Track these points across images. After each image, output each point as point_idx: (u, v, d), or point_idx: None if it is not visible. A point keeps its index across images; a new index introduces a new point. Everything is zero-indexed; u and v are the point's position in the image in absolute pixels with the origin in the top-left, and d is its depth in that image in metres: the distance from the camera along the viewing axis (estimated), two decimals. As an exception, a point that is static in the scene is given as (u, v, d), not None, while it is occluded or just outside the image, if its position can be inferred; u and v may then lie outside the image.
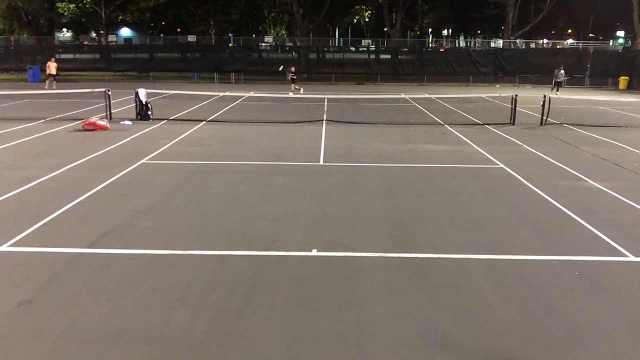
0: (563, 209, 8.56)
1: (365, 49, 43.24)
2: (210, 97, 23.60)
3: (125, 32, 63.22)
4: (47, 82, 27.83)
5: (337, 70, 36.75)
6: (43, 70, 33.45)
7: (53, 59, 28.58)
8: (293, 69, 27.51)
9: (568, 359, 4.56)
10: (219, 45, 41.00)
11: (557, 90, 28.29)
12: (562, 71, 28.79)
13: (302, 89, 26.05)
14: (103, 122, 15.59)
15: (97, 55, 39.19)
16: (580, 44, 41.38)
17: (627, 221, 8.07)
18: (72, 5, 42.67)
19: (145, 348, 4.60)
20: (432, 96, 25.25)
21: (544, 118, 17.47)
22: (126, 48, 44.56)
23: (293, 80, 27.00)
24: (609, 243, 7.12)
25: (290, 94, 25.37)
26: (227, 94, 24.00)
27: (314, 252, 6.65)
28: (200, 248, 6.76)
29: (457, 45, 59.65)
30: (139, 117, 17.34)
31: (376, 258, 6.54)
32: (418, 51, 40.27)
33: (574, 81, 34.12)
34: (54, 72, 28.09)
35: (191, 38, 41.99)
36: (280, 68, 28.01)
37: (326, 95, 24.35)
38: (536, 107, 18.79)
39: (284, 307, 5.33)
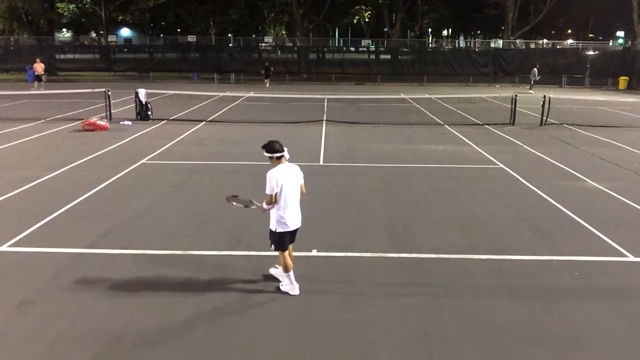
0: (563, 209, 8.56)
1: (365, 49, 43.14)
2: (210, 97, 23.60)
3: (125, 32, 63.11)
4: (37, 83, 27.59)
5: (337, 70, 36.75)
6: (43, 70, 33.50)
7: (38, 60, 28.21)
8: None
9: (568, 359, 4.57)
10: (219, 45, 40.98)
11: (531, 88, 28.85)
12: (535, 70, 29.25)
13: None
14: (103, 122, 15.59)
15: (97, 55, 39.19)
16: (580, 44, 41.38)
17: (627, 221, 8.07)
18: (72, 6, 42.64)
19: (145, 348, 4.60)
20: (432, 96, 25.26)
21: (544, 118, 17.48)
22: (126, 48, 44.54)
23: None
24: (609, 243, 7.12)
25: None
26: (227, 94, 24.01)
27: (314, 252, 6.66)
28: (199, 248, 6.76)
29: (457, 45, 59.58)
30: (138, 117, 17.34)
31: (376, 258, 6.55)
32: (418, 51, 40.25)
33: (574, 81, 34.13)
34: (40, 72, 27.73)
35: (191, 38, 41.91)
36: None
37: (326, 95, 24.36)
38: (536, 107, 18.80)
39: (284, 307, 5.34)
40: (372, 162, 11.84)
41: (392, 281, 5.95)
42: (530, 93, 27.44)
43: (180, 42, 43.17)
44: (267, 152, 5.36)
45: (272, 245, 5.53)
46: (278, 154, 5.34)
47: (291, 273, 5.55)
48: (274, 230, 5.43)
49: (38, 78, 27.59)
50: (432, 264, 6.42)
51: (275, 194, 5.30)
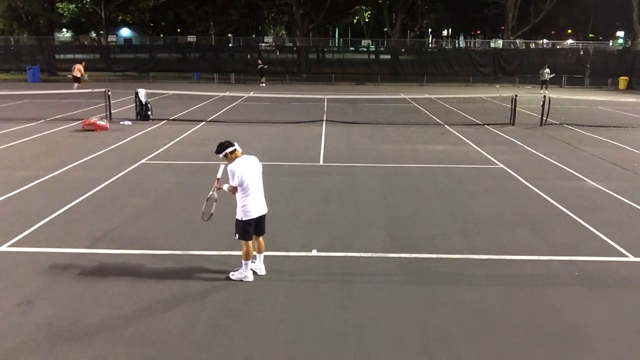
0: (563, 209, 8.56)
1: (365, 49, 43.17)
2: (210, 97, 23.60)
3: (125, 32, 63.14)
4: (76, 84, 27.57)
5: (337, 70, 36.73)
6: (43, 70, 33.46)
7: (81, 64, 28.22)
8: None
9: (568, 359, 4.57)
10: (219, 45, 40.95)
11: (544, 88, 28.44)
12: (547, 70, 28.84)
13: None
14: (103, 122, 15.59)
15: (97, 55, 39.16)
16: (580, 44, 41.37)
17: (627, 221, 8.07)
18: (72, 6, 42.62)
19: (145, 348, 4.60)
20: (432, 96, 25.25)
21: (544, 118, 17.47)
22: (126, 48, 44.45)
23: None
24: (609, 243, 7.13)
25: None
26: (227, 94, 24.01)
27: (314, 252, 6.66)
28: (200, 248, 6.76)
29: (457, 45, 59.55)
30: (138, 117, 17.34)
31: (376, 258, 6.55)
32: (418, 51, 40.23)
33: (574, 81, 34.13)
34: (77, 74, 27.76)
35: (191, 38, 41.92)
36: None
37: (326, 95, 24.35)
38: (536, 107, 18.80)
39: (284, 307, 5.34)
40: (372, 162, 11.84)
41: (392, 281, 5.95)
42: (539, 94, 26.87)
43: (180, 42, 43.12)
44: (220, 152, 5.70)
45: (237, 235, 5.74)
46: (230, 149, 5.71)
47: (249, 262, 5.81)
48: (240, 219, 5.68)
49: (76, 79, 27.56)
50: (432, 264, 6.42)
51: (238, 184, 5.60)
